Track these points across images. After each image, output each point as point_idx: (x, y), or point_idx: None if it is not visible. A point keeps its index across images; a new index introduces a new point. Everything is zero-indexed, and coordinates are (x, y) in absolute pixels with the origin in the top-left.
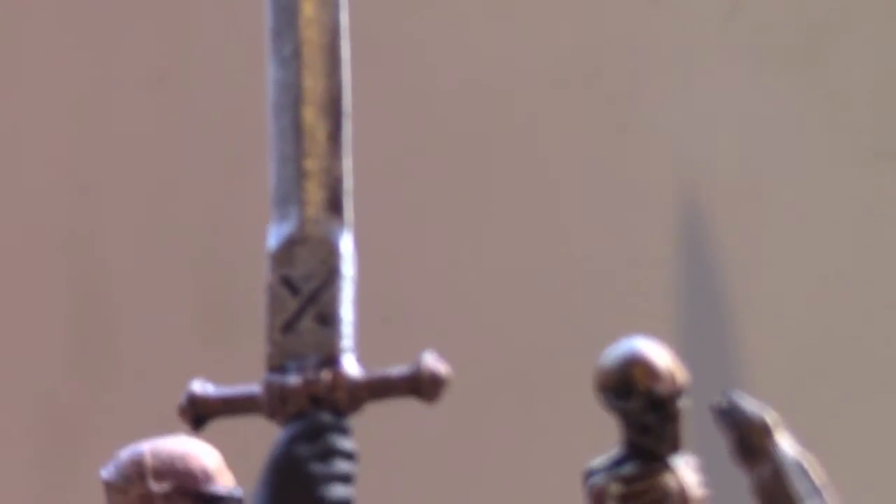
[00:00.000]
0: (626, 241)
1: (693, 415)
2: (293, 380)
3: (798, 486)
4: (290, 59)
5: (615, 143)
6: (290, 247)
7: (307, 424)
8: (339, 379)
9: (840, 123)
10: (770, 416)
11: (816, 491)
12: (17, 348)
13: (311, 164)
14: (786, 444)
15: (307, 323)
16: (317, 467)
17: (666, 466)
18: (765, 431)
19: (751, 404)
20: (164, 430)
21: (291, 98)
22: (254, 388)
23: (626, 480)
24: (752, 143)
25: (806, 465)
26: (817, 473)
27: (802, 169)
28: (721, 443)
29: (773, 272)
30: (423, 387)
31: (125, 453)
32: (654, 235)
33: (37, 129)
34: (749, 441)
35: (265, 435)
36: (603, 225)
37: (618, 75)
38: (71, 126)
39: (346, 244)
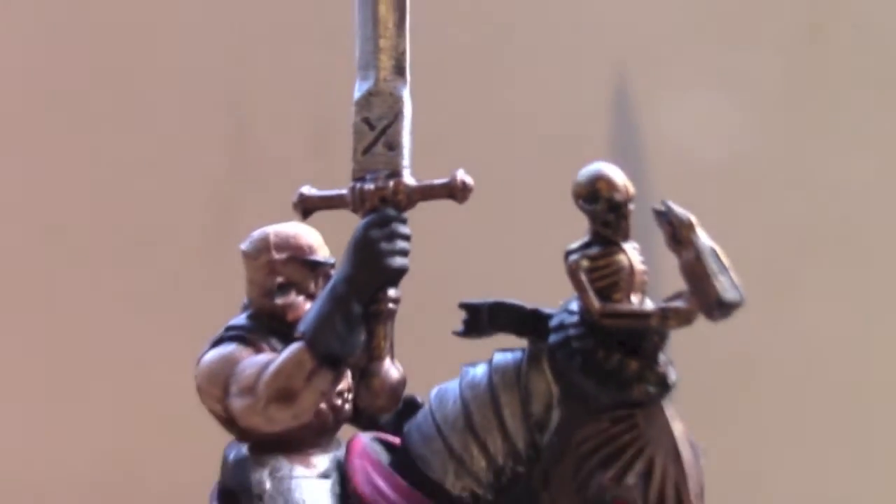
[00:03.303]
0: (567, 110)
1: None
2: (369, 186)
3: (713, 265)
4: None
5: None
6: (368, 97)
7: (378, 216)
8: (400, 186)
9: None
10: (691, 217)
11: (725, 269)
12: (191, 154)
13: (384, 42)
14: (703, 236)
15: (379, 148)
16: (384, 245)
17: (620, 249)
18: (690, 227)
19: (680, 208)
20: (286, 218)
21: None
22: (343, 191)
23: (593, 258)
24: (679, 20)
25: (718, 251)
26: (726, 257)
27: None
28: (658, 235)
29: (688, 132)
30: (456, 192)
31: (256, 233)
32: (590, 107)
33: None
34: (678, 234)
35: (350, 223)
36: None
37: None
38: None
39: (406, 96)
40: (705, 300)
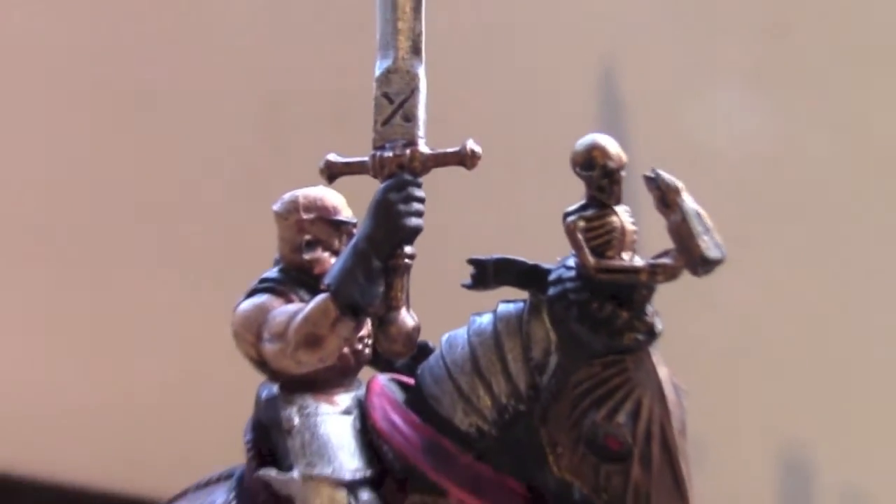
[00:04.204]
0: (563, 90)
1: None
2: (388, 154)
3: (698, 226)
4: None
5: (551, 20)
6: (388, 74)
7: (396, 181)
8: (416, 154)
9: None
10: (679, 183)
11: (709, 230)
12: (225, 124)
13: (402, 25)
14: (689, 200)
15: (397, 120)
16: (401, 207)
17: (613, 211)
18: (676, 191)
19: (668, 175)
20: (314, 182)
21: None
22: (365, 158)
23: (588, 219)
24: (656, 16)
25: (703, 213)
26: (709, 219)
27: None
28: (648, 198)
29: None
30: (466, 159)
31: (287, 195)
32: (582, 88)
33: None
34: (666, 198)
35: (371, 187)
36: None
37: None
38: None
39: (422, 73)
40: (690, 257)
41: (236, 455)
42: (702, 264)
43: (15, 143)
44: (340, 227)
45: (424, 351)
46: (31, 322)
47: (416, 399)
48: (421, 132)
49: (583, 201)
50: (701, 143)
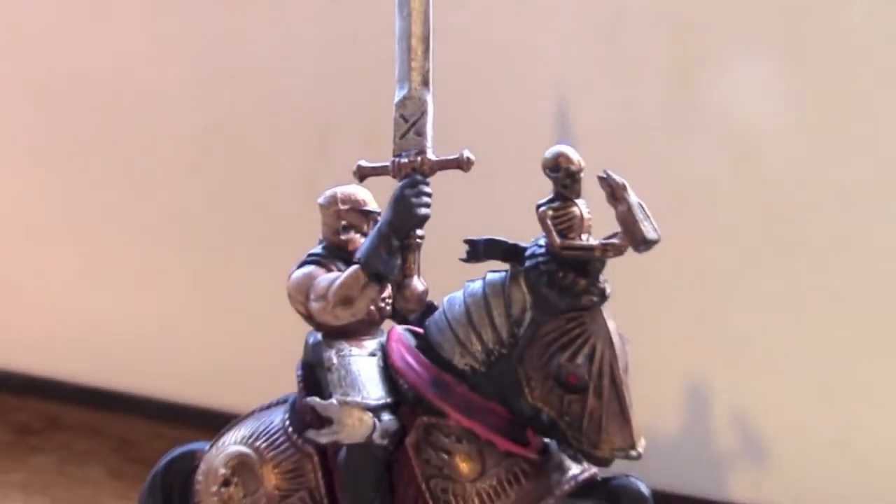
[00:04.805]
0: (529, 114)
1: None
2: (404, 160)
3: (639, 214)
4: (406, 17)
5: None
6: (404, 101)
7: (410, 180)
8: (425, 160)
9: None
10: (625, 181)
11: (648, 217)
12: (291, 150)
13: (415, 64)
14: (633, 194)
15: (411, 135)
16: (414, 200)
17: (574, 203)
18: (623, 188)
19: (617, 175)
20: (350, 182)
21: (406, 35)
22: (387, 164)
23: (555, 209)
24: (589, 61)
25: (643, 204)
26: (648, 208)
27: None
28: (601, 194)
29: (602, 130)
30: (463, 164)
31: (328, 191)
32: (542, 113)
33: None
34: (615, 192)
35: (391, 185)
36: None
37: None
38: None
39: (430, 100)
40: (634, 239)
41: (290, 385)
42: (643, 244)
43: (151, 162)
44: (368, 215)
45: (431, 308)
46: (180, 284)
47: (425, 345)
48: (429, 143)
49: (551, 196)
50: (634, 153)
